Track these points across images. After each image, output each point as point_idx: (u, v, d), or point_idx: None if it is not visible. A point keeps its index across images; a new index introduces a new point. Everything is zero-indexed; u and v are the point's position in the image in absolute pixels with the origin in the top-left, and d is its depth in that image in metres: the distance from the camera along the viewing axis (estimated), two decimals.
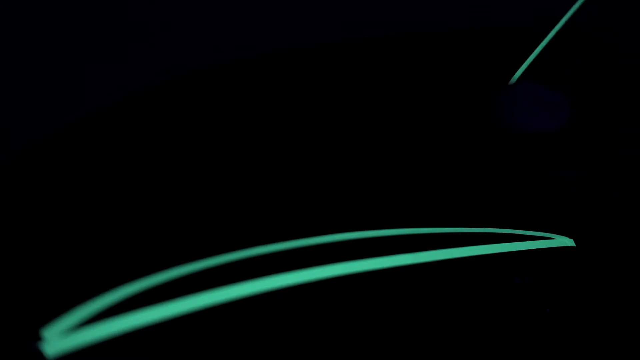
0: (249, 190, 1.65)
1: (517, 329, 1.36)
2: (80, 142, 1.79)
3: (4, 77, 2.01)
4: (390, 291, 1.34)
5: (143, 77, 2.08)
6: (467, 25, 2.65)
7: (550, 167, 1.86)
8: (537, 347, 1.34)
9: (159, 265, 1.26)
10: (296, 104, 2.06)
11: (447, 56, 2.42)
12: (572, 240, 1.58)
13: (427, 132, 1.96)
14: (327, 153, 1.84)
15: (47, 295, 1.25)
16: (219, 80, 2.15)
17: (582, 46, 2.38)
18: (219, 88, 2.11)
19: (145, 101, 1.99)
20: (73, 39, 2.19)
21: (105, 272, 1.30)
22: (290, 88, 2.14)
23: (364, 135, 1.93)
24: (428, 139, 1.92)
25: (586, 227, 1.65)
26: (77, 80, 2.05)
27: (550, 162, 1.88)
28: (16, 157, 1.68)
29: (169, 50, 2.25)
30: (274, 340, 1.21)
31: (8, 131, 1.81)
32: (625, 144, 1.96)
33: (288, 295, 1.24)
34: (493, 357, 1.30)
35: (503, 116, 1.74)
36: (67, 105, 1.93)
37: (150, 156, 1.76)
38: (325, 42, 2.41)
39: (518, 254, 1.50)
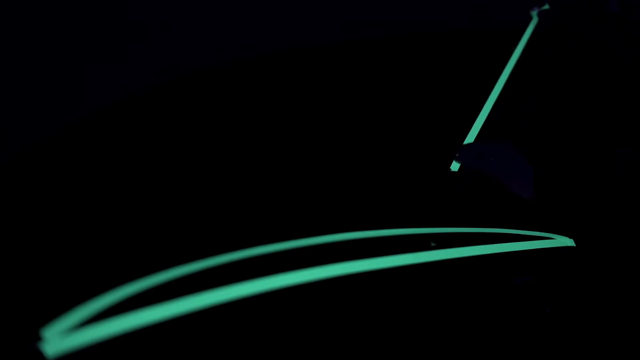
0: (248, 191, 1.65)
1: (517, 329, 1.36)
2: (80, 142, 1.79)
3: (4, 77, 2.01)
4: (390, 291, 1.34)
5: (143, 77, 2.08)
6: (467, 25, 2.65)
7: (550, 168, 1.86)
8: (537, 347, 1.34)
9: (159, 265, 1.26)
10: (296, 104, 2.06)
11: (447, 56, 2.42)
12: (572, 240, 1.58)
13: (427, 132, 1.96)
14: (327, 153, 1.84)
15: (47, 295, 1.25)
16: (219, 80, 2.15)
17: (575, 45, 2.39)
18: (219, 88, 2.11)
19: (145, 101, 1.99)
20: (73, 39, 2.19)
21: (105, 272, 1.31)
22: (290, 88, 2.14)
23: (364, 135, 1.93)
24: (428, 138, 1.92)
25: (586, 227, 1.65)
26: (77, 80, 2.05)
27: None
28: (16, 157, 1.68)
29: (169, 50, 2.25)
30: (274, 340, 1.21)
31: (8, 131, 1.81)
32: (621, 144, 1.96)
33: (288, 295, 1.24)
34: (493, 357, 1.30)
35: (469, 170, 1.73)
36: (67, 105, 1.93)
37: (150, 156, 1.76)
38: (325, 42, 2.41)
39: (518, 254, 1.50)
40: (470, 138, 1.88)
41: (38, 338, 1.09)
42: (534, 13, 2.33)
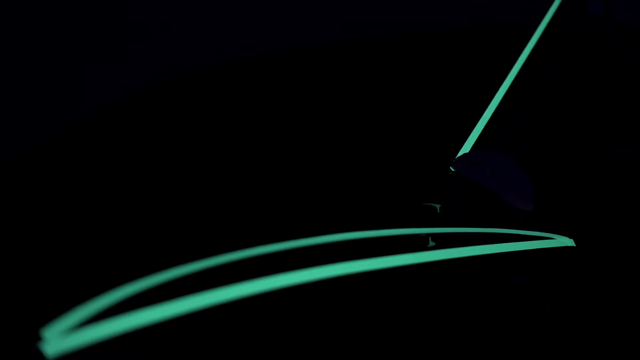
0: (248, 190, 1.65)
1: (517, 329, 1.36)
2: (80, 142, 1.79)
3: (4, 77, 2.01)
4: (390, 291, 1.34)
5: (143, 77, 2.08)
6: (467, 25, 2.65)
7: (550, 167, 1.86)
8: (537, 347, 1.34)
9: (159, 265, 1.26)
10: (296, 104, 2.06)
11: (447, 56, 2.42)
12: (572, 240, 1.58)
13: (428, 132, 1.96)
14: (326, 153, 1.84)
15: (47, 295, 1.25)
16: (219, 80, 2.15)
17: (577, 45, 2.38)
18: (219, 88, 2.11)
19: (145, 101, 1.99)
20: (73, 39, 2.19)
21: (105, 272, 1.31)
22: (290, 88, 2.14)
23: (364, 136, 1.93)
24: (428, 138, 1.92)
25: (586, 227, 1.65)
26: (77, 80, 2.05)
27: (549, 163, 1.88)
28: (16, 157, 1.68)
29: (169, 50, 2.25)
30: (274, 340, 1.21)
31: (8, 131, 1.81)
32: (619, 143, 1.96)
33: (288, 295, 1.24)
34: (493, 357, 1.30)
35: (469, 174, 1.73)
36: (67, 105, 1.93)
37: (151, 156, 1.76)
38: (325, 42, 2.41)
39: (518, 254, 1.50)
40: (473, 135, 1.89)
41: (38, 338, 1.09)
42: None
